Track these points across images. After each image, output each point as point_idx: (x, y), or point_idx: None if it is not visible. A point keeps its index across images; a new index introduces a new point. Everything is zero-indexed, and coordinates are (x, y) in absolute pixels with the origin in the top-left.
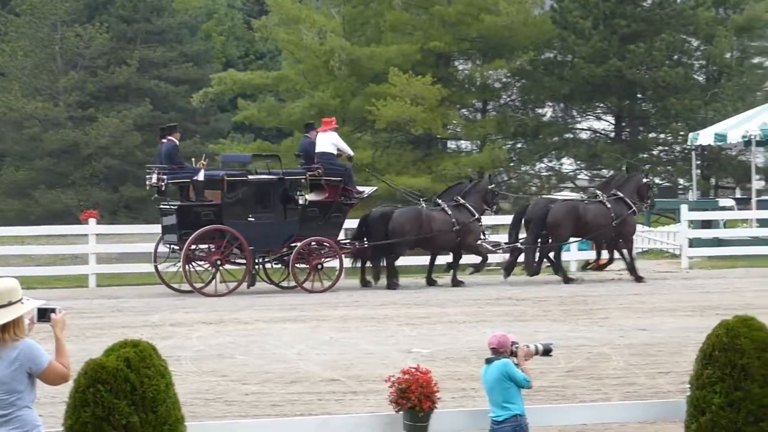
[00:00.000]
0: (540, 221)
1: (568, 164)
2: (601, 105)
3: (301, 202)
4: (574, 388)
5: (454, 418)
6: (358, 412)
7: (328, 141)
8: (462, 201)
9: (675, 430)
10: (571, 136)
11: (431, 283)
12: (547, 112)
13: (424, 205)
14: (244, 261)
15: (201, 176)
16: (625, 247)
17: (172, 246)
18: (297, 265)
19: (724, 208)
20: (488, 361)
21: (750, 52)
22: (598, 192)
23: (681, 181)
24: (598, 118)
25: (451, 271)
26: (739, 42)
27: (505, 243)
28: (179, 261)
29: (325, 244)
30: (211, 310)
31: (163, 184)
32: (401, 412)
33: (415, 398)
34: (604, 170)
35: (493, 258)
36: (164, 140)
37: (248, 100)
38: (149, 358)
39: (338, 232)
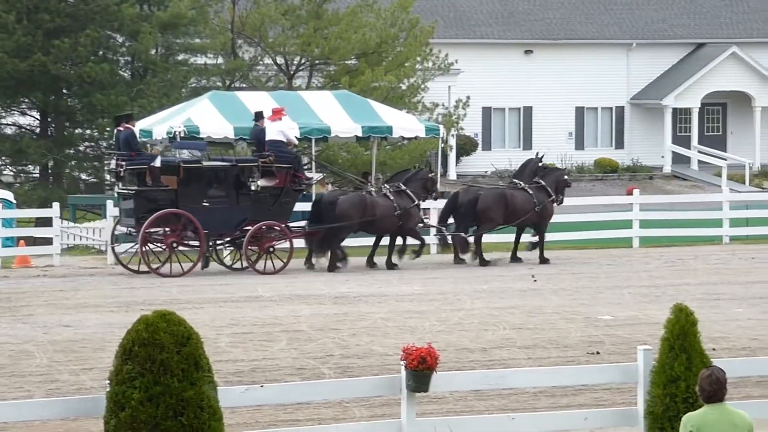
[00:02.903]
0: (470, 208)
1: None
2: (26, 100)
3: (253, 187)
4: None
5: None
6: None
7: (277, 129)
8: (403, 187)
9: (97, 425)
10: None
11: (372, 265)
12: None
13: (372, 190)
14: (197, 243)
15: (158, 162)
16: (543, 231)
17: (129, 229)
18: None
19: None
20: None
21: (175, 49)
22: (516, 180)
23: (108, 177)
24: (23, 114)
25: (394, 253)
26: (164, 39)
27: (437, 228)
28: (137, 243)
29: (275, 228)
30: None
31: (121, 170)
32: None
33: None
34: (29, 166)
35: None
36: (121, 128)
37: None
38: None
39: (288, 216)
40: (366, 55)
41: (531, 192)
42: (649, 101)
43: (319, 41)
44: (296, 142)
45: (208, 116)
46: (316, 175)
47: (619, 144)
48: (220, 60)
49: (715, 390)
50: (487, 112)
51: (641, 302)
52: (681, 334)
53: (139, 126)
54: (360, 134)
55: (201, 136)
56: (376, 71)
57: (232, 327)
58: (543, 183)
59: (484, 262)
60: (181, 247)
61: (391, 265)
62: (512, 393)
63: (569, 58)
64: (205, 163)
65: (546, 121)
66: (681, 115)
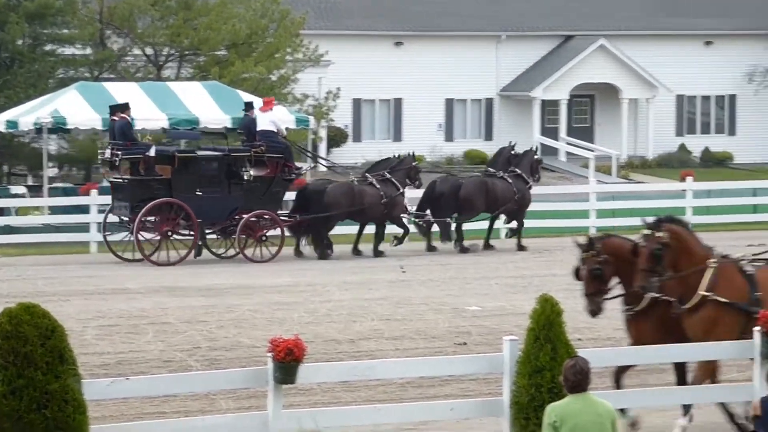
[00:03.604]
0: (452, 196)
1: None
2: None
3: (245, 177)
4: None
5: None
6: None
7: (268, 120)
8: (389, 176)
9: None
10: None
11: (357, 253)
12: None
13: (354, 179)
14: (189, 232)
15: (152, 152)
16: (522, 218)
17: (122, 217)
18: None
19: (16, 195)
20: None
21: (42, 39)
22: (490, 169)
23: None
24: None
25: (376, 241)
26: (32, 29)
27: (415, 215)
28: (129, 231)
29: (266, 216)
30: None
31: (117, 159)
32: None
33: None
34: None
35: None
36: (116, 117)
37: None
38: None
39: (279, 205)
40: (236, 45)
41: (510, 181)
42: (518, 93)
43: (188, 32)
44: (285, 132)
45: (76, 107)
46: (305, 165)
47: (489, 136)
48: (89, 50)
49: (579, 380)
50: (357, 103)
51: (508, 293)
52: (546, 325)
53: (5, 117)
54: (230, 125)
55: (68, 127)
56: (246, 62)
57: (98, 319)
58: (519, 171)
59: (464, 250)
60: (174, 236)
61: (377, 253)
62: (380, 384)
63: (439, 50)
64: (199, 153)
65: (416, 113)
66: (549, 107)
